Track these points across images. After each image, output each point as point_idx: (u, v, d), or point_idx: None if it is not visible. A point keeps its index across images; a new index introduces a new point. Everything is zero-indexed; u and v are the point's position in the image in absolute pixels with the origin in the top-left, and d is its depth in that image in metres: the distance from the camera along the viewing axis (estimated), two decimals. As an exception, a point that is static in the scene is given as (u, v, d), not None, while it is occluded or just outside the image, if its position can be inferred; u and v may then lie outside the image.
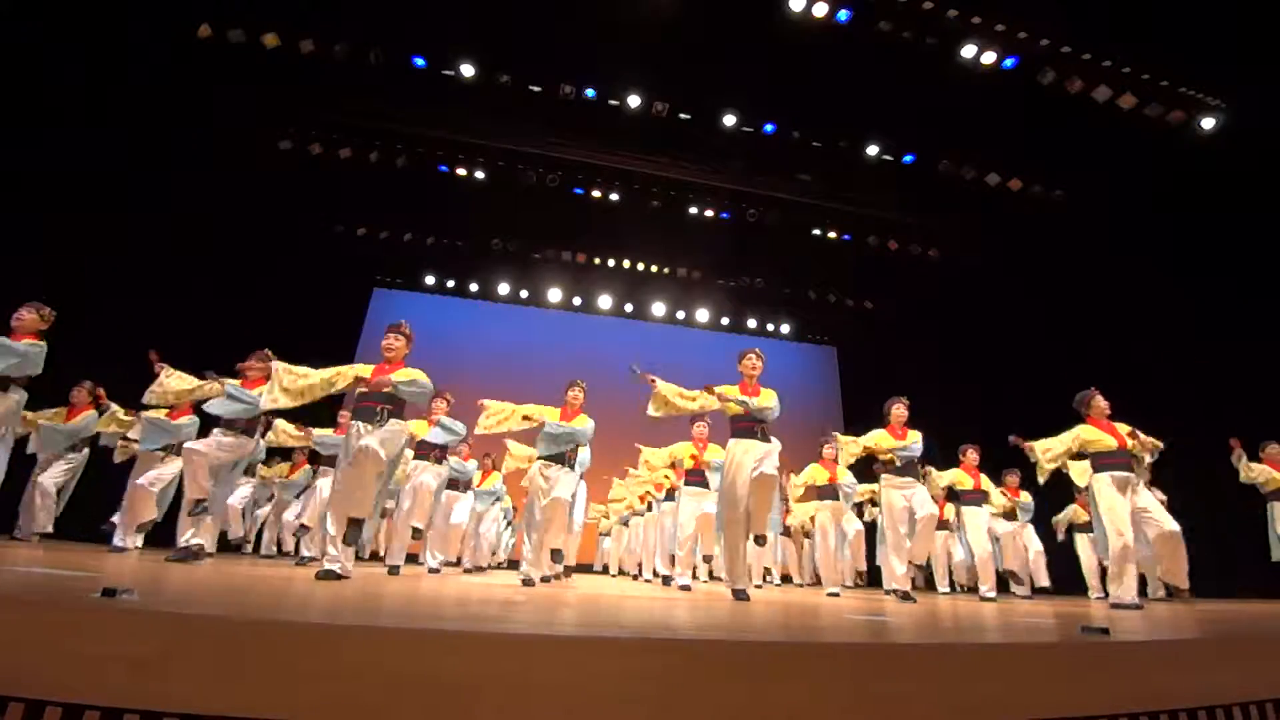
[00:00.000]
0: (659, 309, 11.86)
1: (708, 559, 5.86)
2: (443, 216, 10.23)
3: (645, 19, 6.71)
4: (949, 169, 8.51)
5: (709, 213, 9.63)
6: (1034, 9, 6.65)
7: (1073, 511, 6.90)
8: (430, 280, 11.49)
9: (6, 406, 4.25)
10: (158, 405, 4.92)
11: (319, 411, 4.51)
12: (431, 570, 5.68)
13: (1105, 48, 6.84)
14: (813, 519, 6.55)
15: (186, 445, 4.30)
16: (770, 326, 12.51)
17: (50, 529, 5.63)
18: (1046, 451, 4.78)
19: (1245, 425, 5.63)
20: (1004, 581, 6.39)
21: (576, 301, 11.83)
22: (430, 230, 10.54)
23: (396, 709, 1.04)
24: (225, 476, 4.43)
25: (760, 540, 4.01)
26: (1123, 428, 4.63)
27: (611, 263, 11.20)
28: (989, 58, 6.92)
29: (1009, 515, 6.57)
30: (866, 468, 6.46)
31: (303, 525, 5.91)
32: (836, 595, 5.27)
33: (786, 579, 8.98)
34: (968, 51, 6.90)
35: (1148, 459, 4.66)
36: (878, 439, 5.24)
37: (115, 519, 5.43)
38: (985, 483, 6.26)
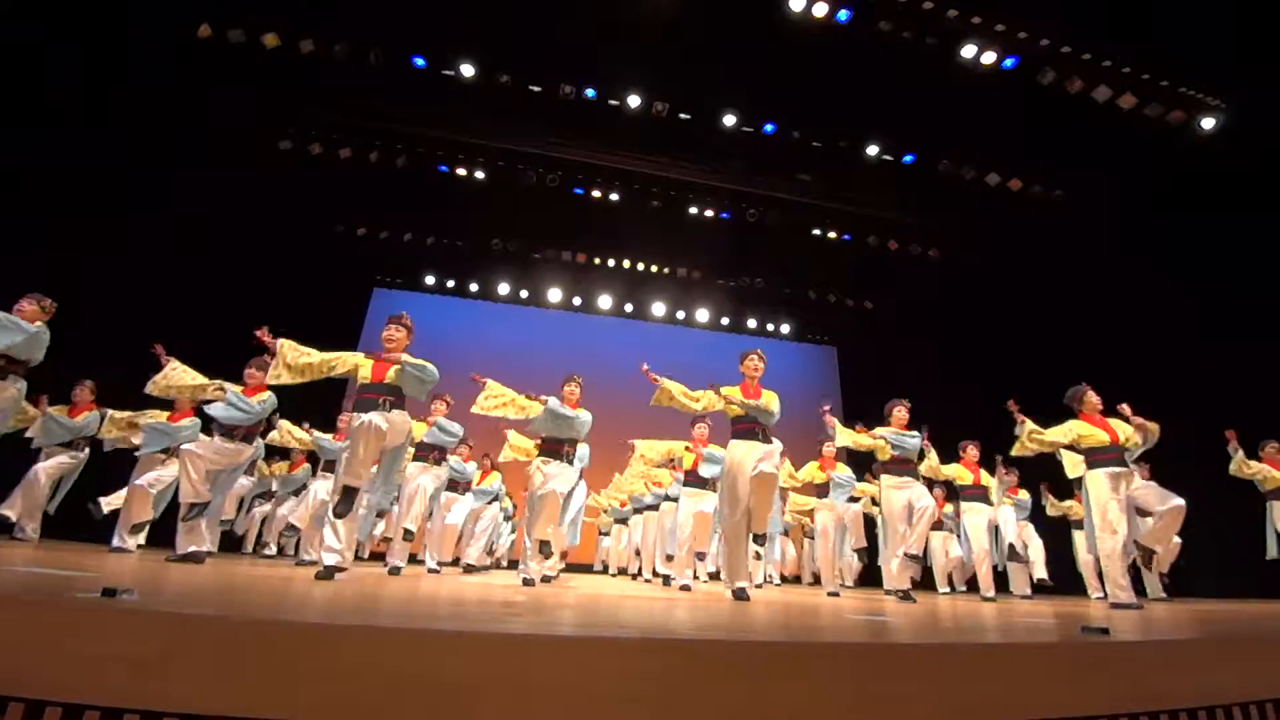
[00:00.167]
0: (659, 309, 11.84)
1: (700, 556, 5.86)
2: (443, 216, 10.23)
3: (645, 19, 6.71)
4: (949, 169, 8.51)
5: (709, 213, 9.63)
6: (1034, 9, 6.66)
7: (1069, 507, 6.89)
8: (430, 280, 11.48)
9: (8, 395, 4.17)
10: (158, 396, 4.84)
11: (319, 413, 4.50)
12: (431, 570, 5.68)
13: (1105, 48, 6.84)
14: (812, 519, 6.53)
15: (184, 447, 4.27)
16: (770, 326, 12.50)
17: (37, 523, 5.52)
18: (1034, 433, 4.76)
19: (1245, 425, 5.62)
20: (1003, 579, 6.37)
21: (576, 301, 11.82)
22: (430, 230, 10.54)
23: (396, 709, 1.04)
24: (223, 481, 4.41)
25: (760, 539, 4.01)
26: (1115, 422, 4.63)
27: (611, 263, 11.19)
28: (989, 58, 6.93)
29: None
30: (866, 468, 6.46)
31: (290, 525, 5.89)
32: (836, 595, 5.28)
33: (796, 579, 8.99)
34: (968, 51, 6.90)
35: (1144, 445, 4.65)
36: (878, 431, 5.25)
37: (103, 499, 5.45)
38: (985, 478, 6.23)
